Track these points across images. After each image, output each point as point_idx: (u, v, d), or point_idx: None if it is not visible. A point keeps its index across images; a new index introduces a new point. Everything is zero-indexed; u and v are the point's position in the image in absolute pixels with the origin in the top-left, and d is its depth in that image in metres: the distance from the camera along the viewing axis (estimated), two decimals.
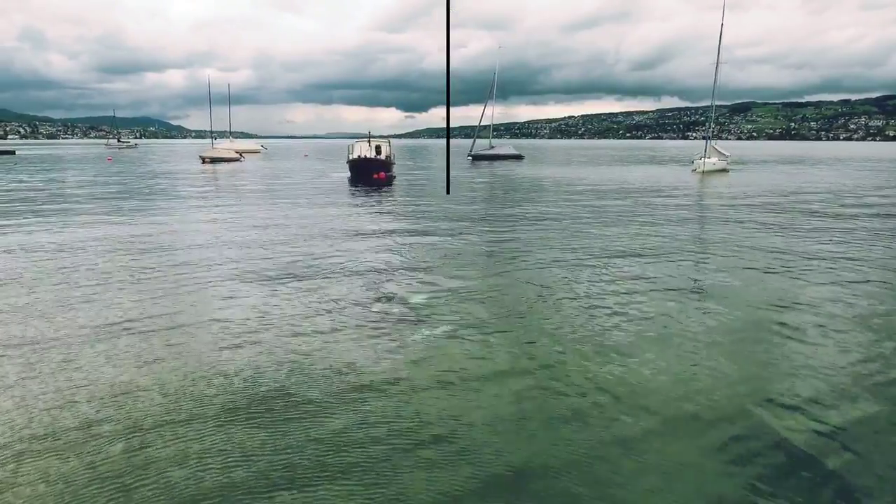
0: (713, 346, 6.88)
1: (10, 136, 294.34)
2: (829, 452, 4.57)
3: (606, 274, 10.70)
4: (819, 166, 55.26)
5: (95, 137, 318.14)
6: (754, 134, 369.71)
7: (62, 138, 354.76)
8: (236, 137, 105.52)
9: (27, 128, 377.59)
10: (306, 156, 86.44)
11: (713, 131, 46.93)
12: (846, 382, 5.88)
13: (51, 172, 44.20)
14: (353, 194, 27.41)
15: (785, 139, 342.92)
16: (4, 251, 12.75)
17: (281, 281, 10.14)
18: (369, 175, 33.82)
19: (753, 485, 4.13)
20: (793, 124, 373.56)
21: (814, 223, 17.37)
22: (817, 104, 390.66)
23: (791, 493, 4.06)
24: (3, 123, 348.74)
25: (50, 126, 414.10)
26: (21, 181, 34.75)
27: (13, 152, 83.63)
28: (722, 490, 4.09)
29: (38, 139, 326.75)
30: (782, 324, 7.74)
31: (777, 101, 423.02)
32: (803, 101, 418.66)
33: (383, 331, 7.37)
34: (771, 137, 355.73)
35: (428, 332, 7.38)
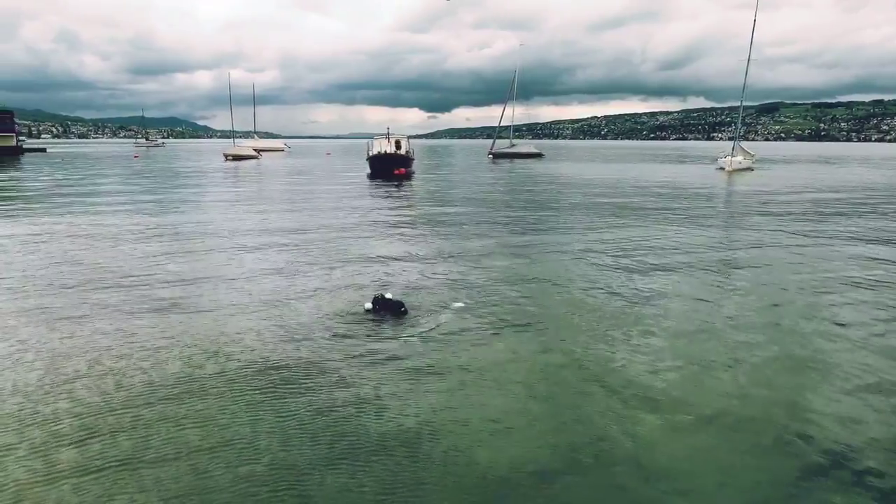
0: (745, 341, 6.50)
1: (42, 136, 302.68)
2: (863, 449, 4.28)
3: (636, 266, 10.37)
4: (849, 165, 53.88)
5: (124, 137, 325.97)
6: (782, 135, 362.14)
7: (92, 138, 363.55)
8: (261, 137, 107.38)
9: (59, 128, 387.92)
10: (329, 154, 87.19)
11: (739, 132, 46.54)
12: (883, 379, 5.49)
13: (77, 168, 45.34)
14: (372, 189, 27.54)
15: (814, 140, 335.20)
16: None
17: (293, 271, 10.23)
18: (389, 171, 33.90)
19: (789, 482, 3.90)
20: (822, 125, 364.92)
21: (842, 215, 16.95)
22: (848, 104, 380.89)
23: (825, 490, 3.82)
24: (36, 123, 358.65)
25: (81, 126, 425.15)
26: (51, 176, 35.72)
27: (44, 150, 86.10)
28: (755, 487, 3.86)
29: (69, 139, 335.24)
30: (816, 315, 7.40)
31: (806, 102, 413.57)
32: (834, 101, 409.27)
33: (389, 324, 7.13)
34: (799, 138, 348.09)
35: (440, 323, 7.25)
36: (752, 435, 4.46)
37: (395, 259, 10.65)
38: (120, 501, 3.57)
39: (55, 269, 9.67)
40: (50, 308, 7.39)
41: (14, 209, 18.22)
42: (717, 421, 4.68)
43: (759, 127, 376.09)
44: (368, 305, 7.16)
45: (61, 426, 4.43)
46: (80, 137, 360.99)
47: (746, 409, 4.88)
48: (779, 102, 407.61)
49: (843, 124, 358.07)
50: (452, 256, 10.89)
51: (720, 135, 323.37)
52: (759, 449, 4.27)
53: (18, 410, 4.67)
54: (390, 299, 7.20)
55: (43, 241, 12.27)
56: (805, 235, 13.31)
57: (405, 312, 7.07)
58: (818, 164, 55.35)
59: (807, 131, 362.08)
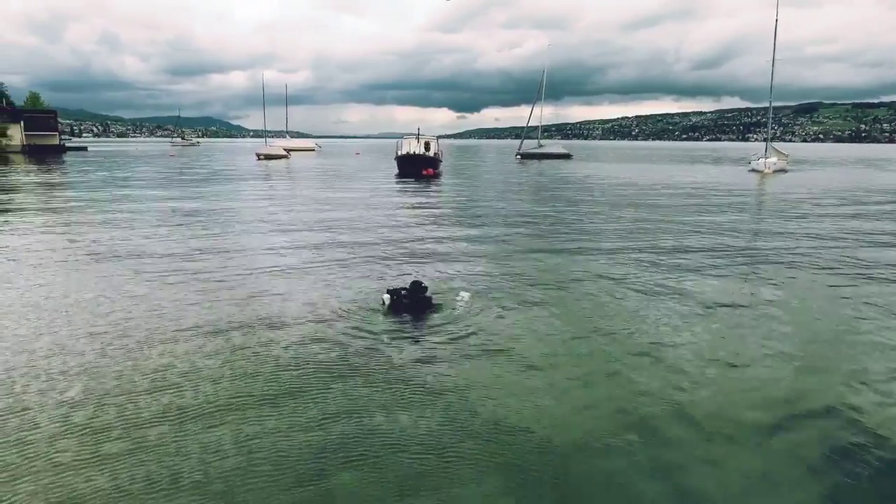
0: (778, 346, 6.35)
1: (84, 135, 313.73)
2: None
3: (664, 268, 10.31)
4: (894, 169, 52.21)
5: (161, 136, 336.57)
6: (821, 136, 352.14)
7: (131, 137, 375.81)
8: (293, 137, 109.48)
9: (99, 127, 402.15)
10: (358, 153, 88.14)
11: (775, 132, 45.56)
12: None
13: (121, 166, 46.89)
14: (399, 188, 27.93)
15: (854, 142, 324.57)
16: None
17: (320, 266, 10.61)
18: (418, 171, 34.19)
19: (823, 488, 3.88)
20: (863, 126, 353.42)
21: (873, 216, 16.64)
22: (891, 105, 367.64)
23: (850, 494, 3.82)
24: (78, 122, 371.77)
25: (120, 125, 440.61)
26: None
27: (85, 148, 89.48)
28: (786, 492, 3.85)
29: (109, 137, 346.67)
30: (852, 324, 7.20)
31: (847, 102, 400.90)
32: (876, 101, 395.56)
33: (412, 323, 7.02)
34: (839, 140, 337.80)
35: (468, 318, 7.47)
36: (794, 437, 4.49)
37: (418, 255, 10.93)
38: (149, 475, 3.89)
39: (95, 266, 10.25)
40: (90, 294, 7.90)
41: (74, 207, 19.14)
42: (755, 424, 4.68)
43: (796, 128, 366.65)
44: (386, 297, 7.10)
45: (103, 409, 4.81)
46: (119, 136, 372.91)
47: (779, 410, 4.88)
48: (817, 102, 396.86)
49: (885, 125, 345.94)
50: (473, 254, 11.14)
51: (755, 136, 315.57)
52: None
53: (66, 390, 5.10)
54: (412, 291, 7.05)
55: (79, 236, 12.93)
56: (854, 257, 12.07)
57: (430, 305, 7.09)
58: (860, 167, 53.76)
59: (847, 132, 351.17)
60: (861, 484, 3.90)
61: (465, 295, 7.69)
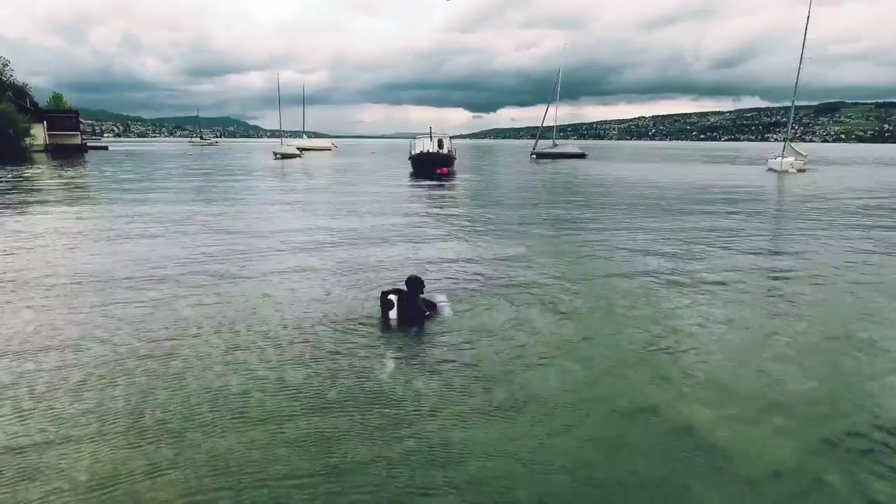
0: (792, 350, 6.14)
1: (105, 135, 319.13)
2: None
3: (677, 266, 10.15)
4: None
5: (180, 136, 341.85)
6: (842, 136, 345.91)
7: (150, 137, 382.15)
8: (310, 137, 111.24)
9: (120, 126, 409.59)
10: (373, 153, 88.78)
11: (795, 133, 45.03)
12: None
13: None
14: (413, 187, 28.11)
15: (877, 142, 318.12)
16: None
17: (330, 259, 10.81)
18: (432, 170, 34.30)
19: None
20: (887, 126, 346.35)
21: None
22: None
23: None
24: (99, 122, 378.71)
25: (140, 125, 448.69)
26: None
27: (106, 148, 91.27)
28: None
29: (129, 137, 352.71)
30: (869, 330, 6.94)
31: (870, 101, 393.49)
32: None
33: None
34: (861, 140, 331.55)
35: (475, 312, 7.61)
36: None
37: (428, 254, 11.03)
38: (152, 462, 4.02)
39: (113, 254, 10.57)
40: (104, 282, 8.19)
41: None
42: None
43: (817, 128, 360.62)
44: (393, 297, 6.66)
45: (112, 391, 5.04)
46: (139, 136, 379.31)
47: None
48: (839, 102, 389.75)
49: None
50: (475, 254, 11.22)
51: (775, 136, 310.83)
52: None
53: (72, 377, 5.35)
54: (411, 290, 6.80)
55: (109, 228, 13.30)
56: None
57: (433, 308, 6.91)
58: (880, 167, 52.76)
59: (869, 132, 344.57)
60: None
61: (441, 297, 7.26)
